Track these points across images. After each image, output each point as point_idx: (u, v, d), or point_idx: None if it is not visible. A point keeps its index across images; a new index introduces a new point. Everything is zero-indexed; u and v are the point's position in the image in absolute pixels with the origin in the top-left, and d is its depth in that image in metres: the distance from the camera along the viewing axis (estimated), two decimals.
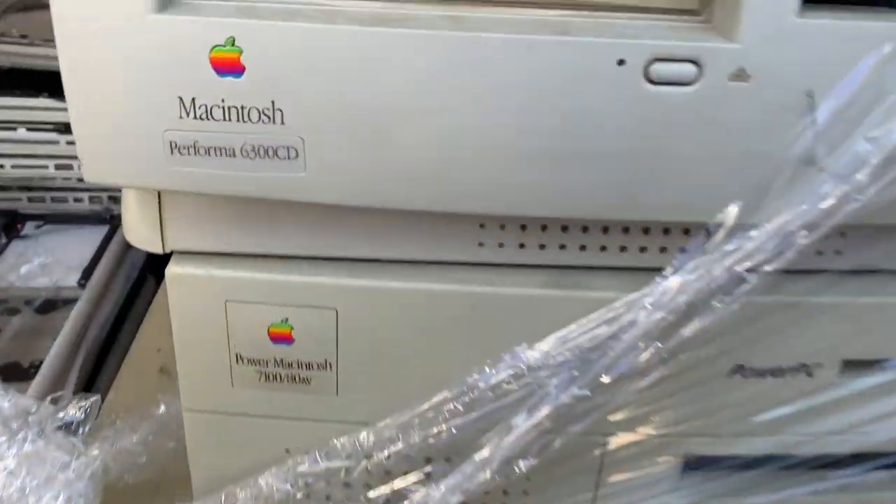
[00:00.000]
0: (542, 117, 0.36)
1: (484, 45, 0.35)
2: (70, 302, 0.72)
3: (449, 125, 0.36)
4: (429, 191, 0.38)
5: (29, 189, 0.82)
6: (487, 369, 0.41)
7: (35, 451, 0.49)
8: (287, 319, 0.44)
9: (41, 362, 0.65)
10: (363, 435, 0.43)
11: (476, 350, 0.40)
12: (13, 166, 0.77)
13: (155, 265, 0.82)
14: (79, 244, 0.80)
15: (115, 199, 0.81)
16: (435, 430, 0.42)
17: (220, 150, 0.37)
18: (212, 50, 0.35)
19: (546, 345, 0.40)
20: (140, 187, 0.41)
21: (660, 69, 0.35)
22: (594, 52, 0.35)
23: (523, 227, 0.43)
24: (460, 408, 0.41)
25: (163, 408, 0.52)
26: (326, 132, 0.36)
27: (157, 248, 0.43)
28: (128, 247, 0.77)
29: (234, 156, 0.37)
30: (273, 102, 0.36)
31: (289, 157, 0.37)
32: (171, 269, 0.43)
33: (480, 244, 0.43)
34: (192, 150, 0.37)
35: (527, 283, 0.43)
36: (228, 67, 0.35)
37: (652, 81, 0.36)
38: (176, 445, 0.51)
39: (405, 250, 0.43)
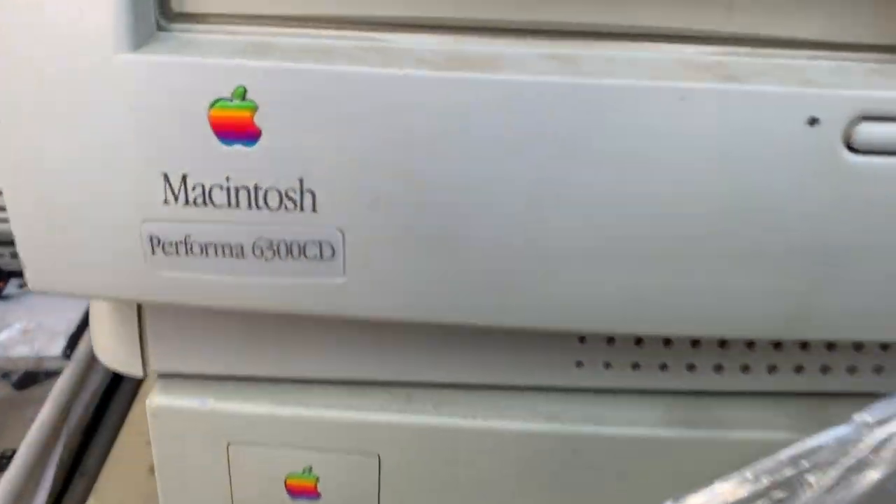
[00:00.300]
0: (692, 199, 0.25)
1: (611, 96, 0.24)
2: (53, 374, 0.63)
3: (553, 209, 0.25)
4: (519, 302, 0.27)
5: (11, 244, 0.72)
6: None
7: None
8: (311, 468, 0.32)
9: (14, 452, 0.56)
10: None
11: None
12: None
13: None
14: (65, 307, 0.71)
15: None
16: None
17: (223, 248, 0.26)
18: (212, 105, 0.24)
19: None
20: (109, 299, 0.29)
21: (866, 132, 0.24)
22: (773, 107, 0.24)
23: (638, 341, 0.31)
24: None
25: None
26: (376, 222, 0.25)
27: (135, 371, 0.32)
28: None
29: (243, 256, 0.26)
30: (301, 181, 0.25)
31: (322, 258, 0.26)
32: (155, 400, 0.31)
33: (578, 364, 0.32)
34: (181, 249, 0.26)
35: (641, 417, 0.32)
36: (236, 131, 0.24)
37: (854, 149, 0.24)
38: None
39: (475, 374, 0.32)
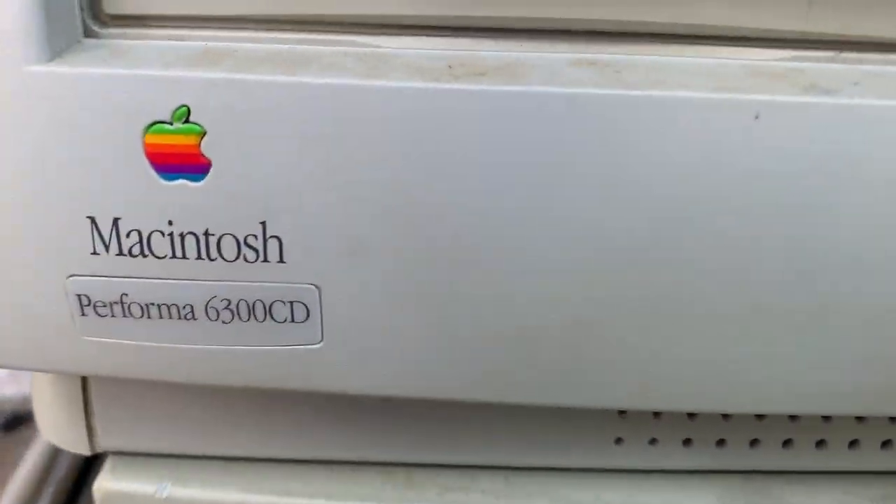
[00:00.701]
0: (772, 244, 0.19)
1: (665, 112, 0.18)
2: None
3: (587, 257, 0.19)
4: (541, 376, 0.21)
5: None
6: None
7: None
8: None
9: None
10: None
11: None
12: None
13: None
14: None
15: None
16: None
17: (169, 309, 0.20)
18: (148, 130, 0.18)
19: None
20: (30, 370, 0.24)
21: None
22: (873, 123, 0.18)
23: (692, 414, 0.25)
24: None
25: None
26: (359, 275, 0.20)
27: (82, 450, 0.26)
28: None
29: (194, 319, 0.20)
30: (263, 225, 0.19)
31: (293, 320, 0.20)
32: (104, 484, 0.26)
33: (618, 441, 0.26)
34: (117, 310, 0.20)
35: (693, 501, 0.26)
36: (179, 162, 0.19)
37: None
38: None
39: (488, 453, 0.26)
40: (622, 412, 0.25)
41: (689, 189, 0.18)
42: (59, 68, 0.18)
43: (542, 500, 0.26)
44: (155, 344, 0.21)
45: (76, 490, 0.60)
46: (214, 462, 0.26)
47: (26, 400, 0.61)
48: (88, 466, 0.61)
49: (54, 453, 0.58)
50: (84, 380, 0.25)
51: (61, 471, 0.59)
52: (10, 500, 0.51)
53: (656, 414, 0.25)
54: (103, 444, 0.26)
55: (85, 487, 0.61)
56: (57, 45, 0.19)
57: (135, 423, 0.26)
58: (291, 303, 0.20)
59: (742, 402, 0.21)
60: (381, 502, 0.25)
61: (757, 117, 0.18)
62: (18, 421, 0.60)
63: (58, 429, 0.26)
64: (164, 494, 0.26)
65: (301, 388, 0.21)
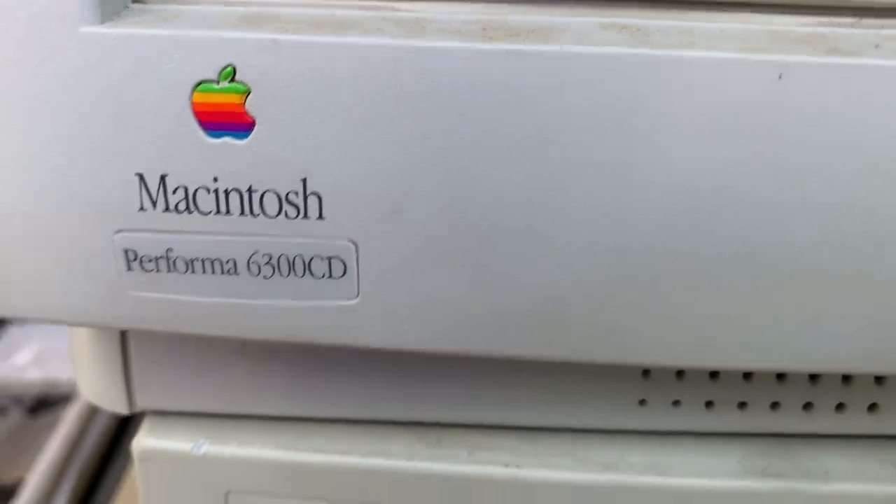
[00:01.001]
0: (800, 196, 0.20)
1: (695, 71, 0.19)
2: (66, 400, 0.60)
3: (621, 212, 0.20)
4: (577, 332, 0.22)
5: None
6: None
7: None
8: None
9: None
10: None
11: None
12: None
13: None
14: None
15: None
16: None
17: (213, 264, 0.21)
18: (195, 89, 0.19)
19: None
20: (81, 325, 0.25)
21: None
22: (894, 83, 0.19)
23: (713, 375, 0.26)
24: None
25: None
26: (397, 232, 0.20)
27: (120, 408, 0.27)
28: None
29: (237, 273, 0.21)
30: (304, 182, 0.20)
31: (331, 275, 0.21)
32: (142, 443, 0.27)
33: (642, 402, 0.26)
34: (162, 265, 0.21)
35: (713, 466, 0.26)
36: (225, 120, 0.20)
37: None
38: None
39: (516, 414, 0.27)
40: (646, 373, 0.26)
41: (715, 146, 0.19)
42: (111, 30, 0.19)
43: (568, 460, 0.26)
44: (197, 298, 0.22)
45: (98, 477, 0.62)
46: (250, 421, 0.27)
47: (50, 384, 0.62)
48: (107, 461, 0.63)
49: (76, 440, 0.59)
50: (123, 339, 0.26)
51: (83, 458, 0.60)
52: (34, 483, 0.52)
53: (679, 375, 0.26)
54: (141, 402, 0.27)
55: (108, 470, 0.63)
56: (109, 9, 0.19)
57: (173, 382, 0.26)
58: (329, 259, 0.21)
59: (764, 359, 0.22)
60: (413, 460, 0.26)
61: (780, 77, 0.19)
62: (43, 405, 0.61)
63: (97, 389, 0.27)
64: (201, 452, 0.26)
65: (337, 344, 0.22)
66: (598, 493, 0.26)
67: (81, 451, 0.60)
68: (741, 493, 0.26)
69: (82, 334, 0.27)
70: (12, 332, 0.69)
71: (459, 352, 0.22)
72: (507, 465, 0.26)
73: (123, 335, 0.26)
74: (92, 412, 0.61)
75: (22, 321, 0.20)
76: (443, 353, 0.22)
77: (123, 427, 0.65)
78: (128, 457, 0.61)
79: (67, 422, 0.57)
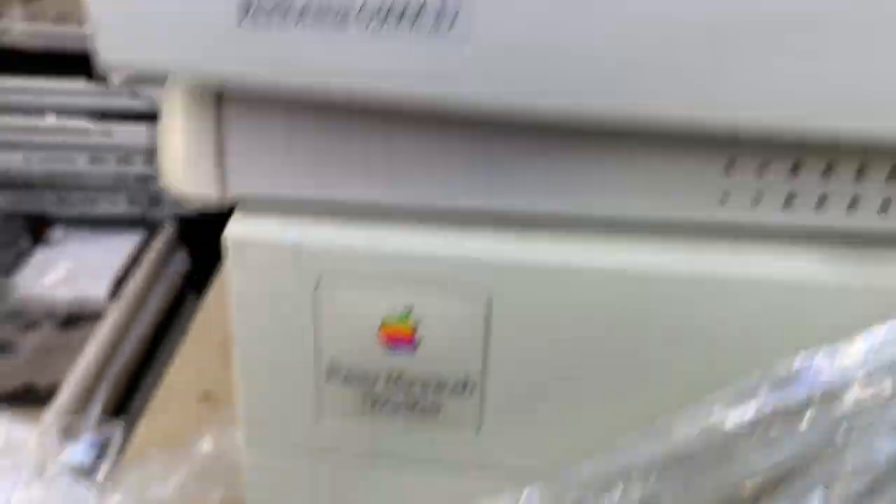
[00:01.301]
0: None
1: None
2: (97, 317, 0.62)
3: None
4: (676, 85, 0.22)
5: (57, 188, 0.73)
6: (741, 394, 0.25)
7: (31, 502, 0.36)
8: (410, 312, 0.28)
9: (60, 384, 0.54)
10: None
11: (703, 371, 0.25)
12: (40, 160, 0.69)
13: (197, 279, 0.71)
14: (111, 252, 0.71)
15: (156, 201, 0.72)
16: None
17: (325, 14, 0.22)
18: None
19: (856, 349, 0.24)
20: (187, 72, 0.25)
21: None
22: None
23: (795, 168, 0.27)
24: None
25: (208, 444, 0.39)
26: None
27: (210, 192, 0.27)
28: (166, 258, 0.70)
29: (346, 23, 0.22)
30: None
31: (439, 22, 0.22)
32: (234, 230, 0.28)
33: (724, 196, 0.27)
34: (276, 15, 0.22)
35: (795, 262, 0.27)
36: None
37: None
38: (224, 495, 0.38)
39: (603, 204, 0.27)
40: (730, 164, 0.26)
41: None
42: None
43: (652, 260, 0.27)
44: (307, 50, 0.22)
45: (131, 387, 0.64)
46: (341, 211, 0.28)
47: (79, 302, 0.64)
48: (140, 372, 0.64)
49: (110, 351, 0.60)
50: (219, 121, 0.27)
51: (117, 366, 0.62)
52: (67, 394, 0.53)
53: (762, 166, 0.26)
54: (234, 187, 0.27)
55: (139, 385, 0.64)
56: None
57: (267, 166, 0.27)
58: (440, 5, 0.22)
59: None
60: (500, 242, 0.27)
61: None
62: (73, 320, 0.62)
63: (182, 171, 0.27)
64: (293, 240, 0.27)
65: (445, 98, 0.23)
66: (682, 283, 0.27)
67: (114, 362, 0.62)
68: (821, 286, 0.27)
69: (174, 119, 0.27)
70: (44, 253, 0.70)
71: (561, 110, 0.23)
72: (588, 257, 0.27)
73: (219, 115, 0.26)
74: (122, 327, 0.63)
75: (129, 73, 0.21)
76: (545, 113, 0.23)
77: (156, 344, 0.67)
78: (158, 371, 0.62)
79: (98, 335, 0.59)
